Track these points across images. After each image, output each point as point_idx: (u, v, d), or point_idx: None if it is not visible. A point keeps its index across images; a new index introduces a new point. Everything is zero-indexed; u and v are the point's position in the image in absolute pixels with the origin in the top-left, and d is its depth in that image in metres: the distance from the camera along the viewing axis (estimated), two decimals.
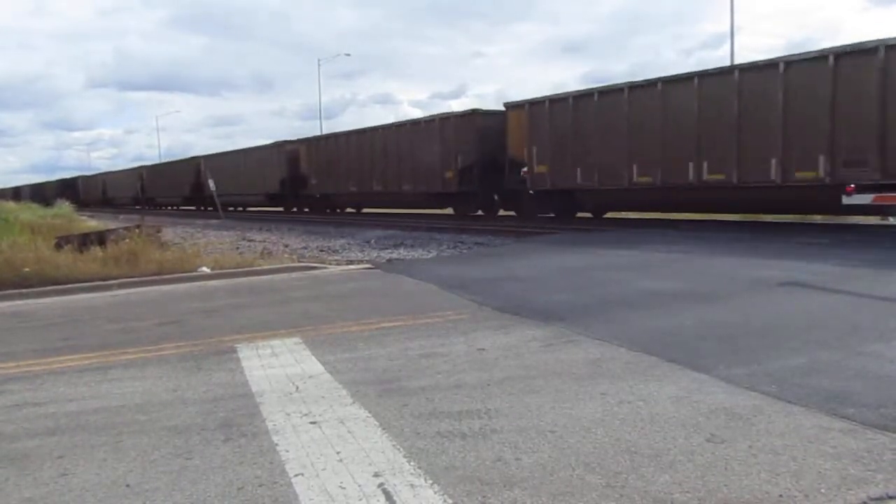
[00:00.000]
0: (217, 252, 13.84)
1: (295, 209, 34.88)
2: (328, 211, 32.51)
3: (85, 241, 12.69)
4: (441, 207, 24.80)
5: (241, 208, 41.51)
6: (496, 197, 22.64)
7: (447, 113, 23.15)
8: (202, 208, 42.94)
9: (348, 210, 32.43)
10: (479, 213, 23.36)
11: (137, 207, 55.01)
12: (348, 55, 61.87)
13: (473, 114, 21.74)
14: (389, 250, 13.73)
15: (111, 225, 19.05)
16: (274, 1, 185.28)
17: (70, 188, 72.95)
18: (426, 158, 22.92)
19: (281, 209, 36.15)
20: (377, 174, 26.01)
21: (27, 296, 9.41)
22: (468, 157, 21.46)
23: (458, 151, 21.64)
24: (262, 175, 35.18)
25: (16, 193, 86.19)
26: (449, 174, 22.11)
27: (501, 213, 23.35)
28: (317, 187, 31.38)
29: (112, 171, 69.69)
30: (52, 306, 8.63)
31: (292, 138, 34.66)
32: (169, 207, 50.97)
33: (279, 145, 34.31)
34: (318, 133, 41.26)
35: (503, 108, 20.69)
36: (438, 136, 22.63)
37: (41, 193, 70.54)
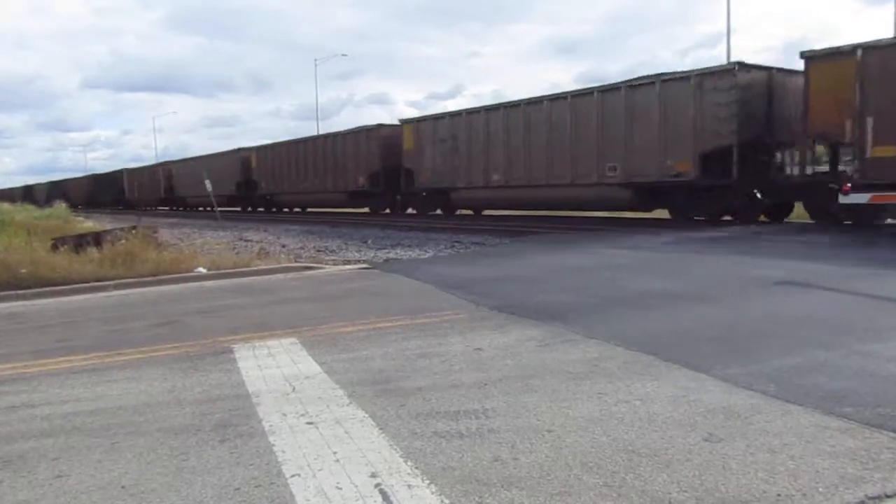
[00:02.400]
0: (214, 252, 13.80)
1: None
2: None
3: (81, 242, 12.66)
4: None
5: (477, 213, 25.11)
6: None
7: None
8: (388, 210, 28.30)
9: None
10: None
11: (237, 210, 37.72)
12: (345, 56, 61.39)
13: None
14: (387, 250, 13.72)
15: (108, 226, 19.01)
16: (270, 2, 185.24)
17: (106, 186, 57.75)
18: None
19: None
20: None
21: (23, 297, 9.38)
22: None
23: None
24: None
25: (27, 193, 72.87)
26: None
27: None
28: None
29: (186, 157, 47.99)
30: (48, 308, 8.60)
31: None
32: (298, 211, 34.99)
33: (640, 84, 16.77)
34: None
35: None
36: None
37: (60, 193, 58.73)
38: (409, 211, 27.54)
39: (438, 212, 25.57)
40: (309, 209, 35.31)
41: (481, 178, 21.76)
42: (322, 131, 37.87)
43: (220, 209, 29.43)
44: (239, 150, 38.56)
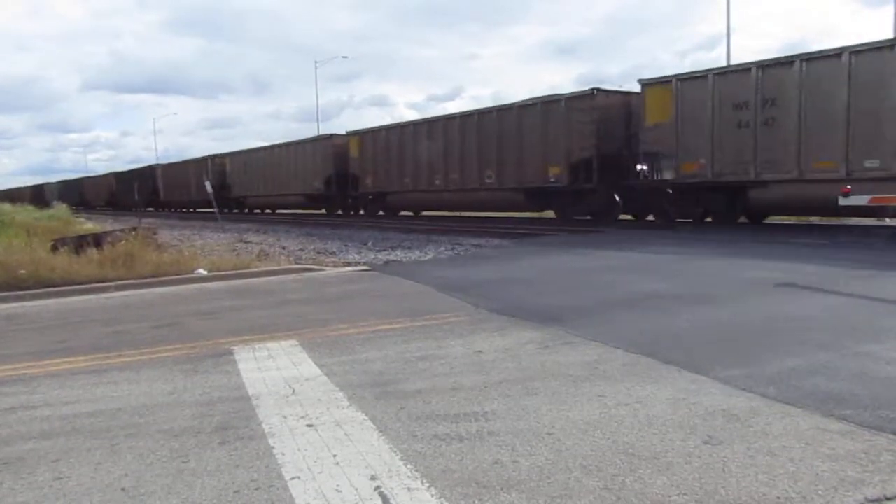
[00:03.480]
0: (214, 254, 13.79)
1: None
2: None
3: (81, 243, 12.65)
4: None
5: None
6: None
7: None
8: (588, 217, 19.99)
9: None
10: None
11: (321, 213, 31.84)
12: (345, 58, 60.59)
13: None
14: (387, 252, 13.71)
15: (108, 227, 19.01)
16: (269, 3, 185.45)
17: (132, 185, 50.94)
18: None
19: None
20: None
21: (22, 298, 9.37)
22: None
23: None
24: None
25: (36, 194, 65.97)
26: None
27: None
28: None
29: (246, 148, 39.43)
30: (48, 309, 8.60)
31: None
32: (408, 215, 28.16)
33: None
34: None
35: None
36: None
37: (75, 193, 53.68)
38: (623, 217, 19.91)
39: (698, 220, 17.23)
40: (425, 212, 27.72)
41: (839, 167, 13.64)
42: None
43: (297, 211, 25.04)
44: (331, 136, 31.34)
